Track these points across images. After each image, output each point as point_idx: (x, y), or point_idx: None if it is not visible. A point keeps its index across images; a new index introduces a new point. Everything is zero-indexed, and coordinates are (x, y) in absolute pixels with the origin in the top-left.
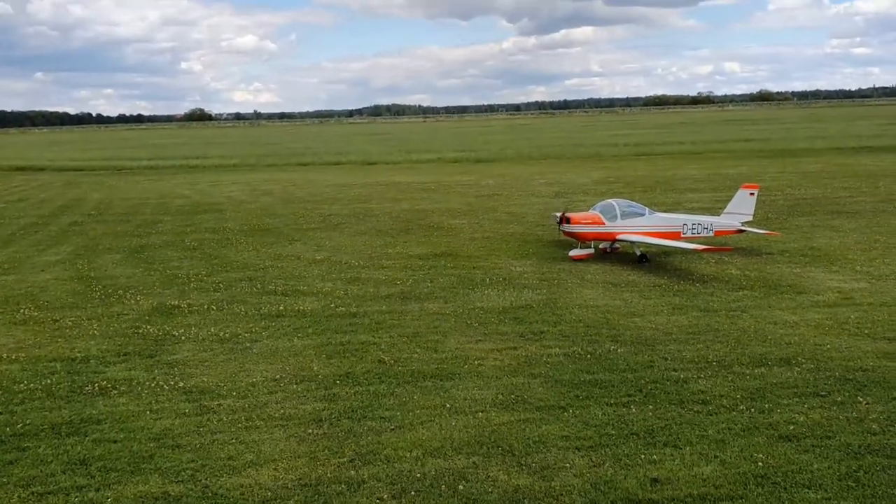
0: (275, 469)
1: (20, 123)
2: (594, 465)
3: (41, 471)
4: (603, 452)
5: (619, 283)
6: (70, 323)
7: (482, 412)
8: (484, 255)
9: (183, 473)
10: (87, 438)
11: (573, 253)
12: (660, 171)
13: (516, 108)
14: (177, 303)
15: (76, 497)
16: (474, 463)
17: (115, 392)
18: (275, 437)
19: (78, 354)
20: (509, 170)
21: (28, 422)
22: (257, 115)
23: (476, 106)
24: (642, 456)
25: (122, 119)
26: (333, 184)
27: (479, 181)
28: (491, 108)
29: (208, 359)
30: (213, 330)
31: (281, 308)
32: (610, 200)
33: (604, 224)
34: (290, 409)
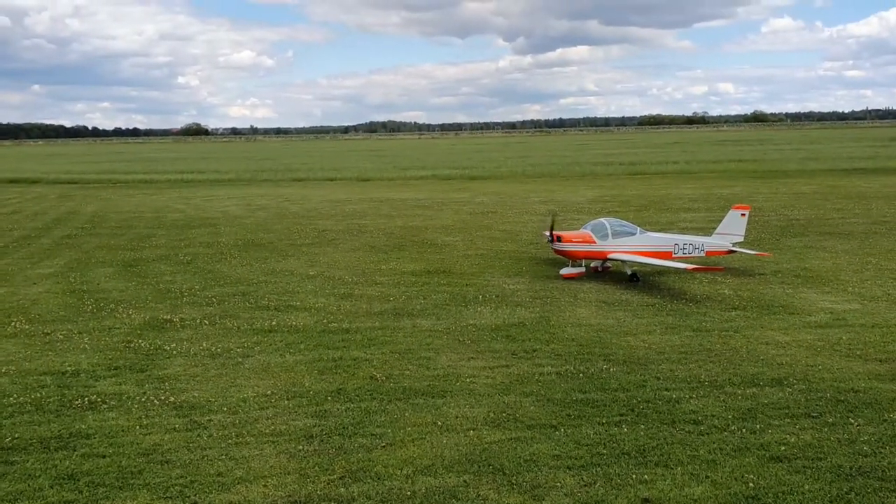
0: (264, 485)
1: (15, 135)
2: (585, 485)
3: (29, 485)
4: (594, 472)
5: (613, 301)
6: (61, 336)
7: (473, 430)
8: (477, 272)
9: (172, 489)
10: (76, 453)
11: (564, 271)
12: (654, 190)
13: (512, 126)
14: (169, 317)
15: None
16: (465, 481)
17: (105, 406)
18: (265, 454)
19: (68, 368)
20: (504, 187)
21: (17, 435)
22: (253, 130)
23: (471, 123)
24: (633, 476)
25: (118, 132)
26: (328, 199)
27: (473, 198)
28: (487, 126)
29: (199, 374)
30: (205, 345)
31: (273, 323)
32: (601, 219)
33: (595, 243)
34: (280, 425)
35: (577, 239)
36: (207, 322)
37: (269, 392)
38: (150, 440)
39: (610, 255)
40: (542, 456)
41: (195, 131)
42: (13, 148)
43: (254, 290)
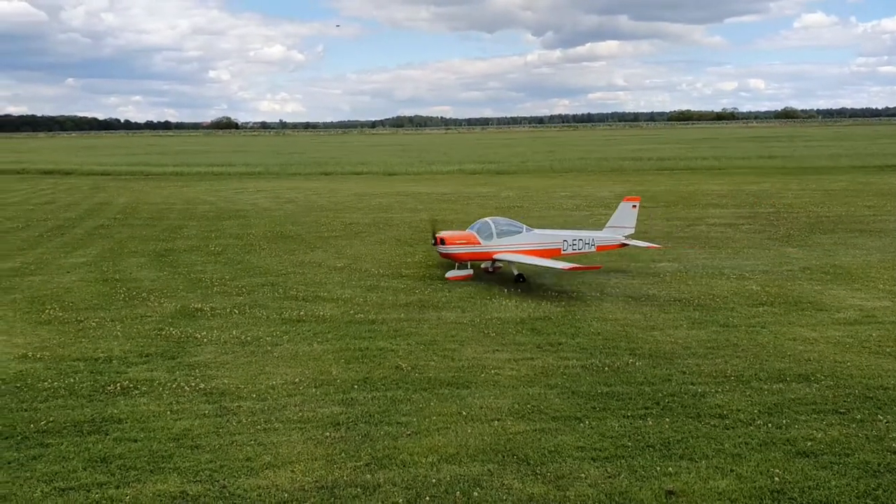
0: (292, 471)
1: (49, 128)
2: (609, 476)
3: (63, 467)
4: (618, 464)
5: (639, 296)
6: (94, 324)
7: (498, 421)
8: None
9: (201, 473)
10: (108, 437)
11: (450, 274)
12: (682, 186)
13: (539, 120)
14: (200, 306)
15: (96, 494)
16: (489, 470)
17: (137, 392)
18: (293, 440)
19: (101, 354)
20: (530, 182)
21: (51, 419)
22: (282, 125)
23: (498, 118)
24: (658, 468)
25: (150, 125)
26: (355, 193)
27: (499, 193)
28: (514, 121)
29: (229, 361)
30: (234, 333)
31: (301, 313)
32: (487, 219)
33: (479, 244)
34: (308, 412)
35: (460, 240)
36: (237, 311)
37: (297, 380)
38: (180, 425)
39: (495, 256)
40: (566, 447)
41: (225, 125)
42: (48, 140)
43: (282, 280)
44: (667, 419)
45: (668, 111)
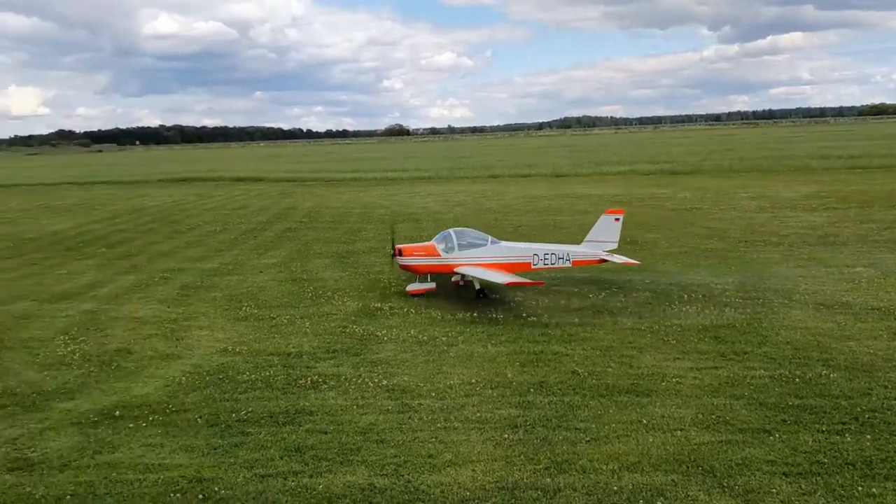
0: (473, 470)
1: (240, 138)
2: (804, 493)
3: (262, 455)
4: (814, 481)
5: (832, 304)
6: (285, 321)
7: (681, 430)
8: (681, 270)
9: (387, 467)
10: (301, 428)
11: (411, 287)
12: (878, 185)
13: (716, 118)
14: (379, 305)
15: (293, 481)
16: (673, 481)
17: (326, 386)
18: (472, 439)
19: (292, 350)
20: (708, 182)
21: (250, 409)
22: (451, 130)
23: (671, 116)
24: (859, 488)
25: (329, 134)
26: (522, 195)
27: (674, 194)
28: (689, 119)
29: (409, 359)
30: (412, 332)
31: (475, 314)
32: (449, 230)
33: (439, 256)
34: (485, 412)
35: (419, 252)
36: (414, 311)
37: (473, 380)
38: (366, 420)
39: (456, 269)
40: (755, 460)
41: (398, 132)
42: (240, 150)
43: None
44: (868, 436)
45: (858, 105)
